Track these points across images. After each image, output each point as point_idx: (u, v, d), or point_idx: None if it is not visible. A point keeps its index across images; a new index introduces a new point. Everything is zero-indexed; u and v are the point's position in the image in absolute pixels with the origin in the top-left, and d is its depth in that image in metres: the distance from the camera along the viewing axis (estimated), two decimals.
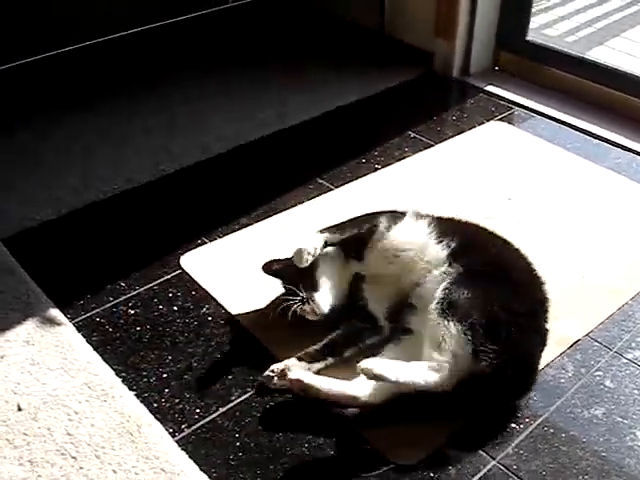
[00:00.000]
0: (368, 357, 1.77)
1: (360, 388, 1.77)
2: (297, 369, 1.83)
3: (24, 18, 3.06)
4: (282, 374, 1.82)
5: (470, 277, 1.80)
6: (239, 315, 2.07)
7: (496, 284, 1.79)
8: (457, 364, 1.68)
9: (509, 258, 1.92)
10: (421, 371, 1.67)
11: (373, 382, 1.76)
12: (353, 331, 1.94)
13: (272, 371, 1.83)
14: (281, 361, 1.86)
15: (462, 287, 1.76)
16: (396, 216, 2.00)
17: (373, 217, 2.01)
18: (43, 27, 3.12)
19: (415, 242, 1.92)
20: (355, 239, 1.97)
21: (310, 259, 1.89)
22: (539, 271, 1.92)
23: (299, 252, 1.90)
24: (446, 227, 1.94)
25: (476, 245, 1.91)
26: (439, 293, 1.76)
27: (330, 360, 1.88)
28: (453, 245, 1.88)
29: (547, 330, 1.84)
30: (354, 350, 1.91)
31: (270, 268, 2.04)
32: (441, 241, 1.90)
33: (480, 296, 1.75)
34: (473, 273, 1.81)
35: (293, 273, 1.96)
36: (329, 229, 1.97)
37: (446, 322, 1.70)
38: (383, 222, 1.97)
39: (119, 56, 3.37)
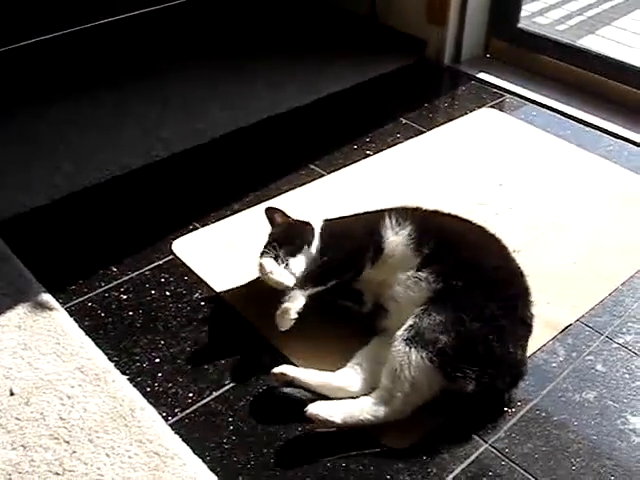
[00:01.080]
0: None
1: (346, 379, 1.77)
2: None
3: (13, 2, 3.04)
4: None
5: (441, 295, 1.77)
6: (232, 300, 2.07)
7: (469, 290, 1.77)
8: (414, 392, 1.67)
9: (484, 255, 1.90)
10: (368, 407, 1.68)
11: (359, 373, 1.78)
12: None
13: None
14: (276, 348, 1.88)
15: (432, 312, 1.73)
16: (380, 243, 1.92)
17: (363, 252, 1.92)
18: (33, 11, 3.11)
19: (396, 255, 1.90)
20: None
21: (293, 322, 1.85)
22: (516, 261, 1.91)
23: (282, 318, 1.85)
24: (424, 229, 1.91)
25: (450, 247, 1.88)
26: (410, 320, 1.73)
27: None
28: (426, 252, 1.86)
29: (532, 315, 1.83)
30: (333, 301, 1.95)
31: (272, 215, 2.08)
32: (416, 247, 1.87)
33: (450, 317, 1.71)
34: (444, 287, 1.78)
35: (286, 232, 2.00)
36: (310, 279, 1.89)
37: (407, 349, 1.68)
38: (370, 256, 1.92)
39: (111, 42, 3.35)
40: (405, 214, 1.96)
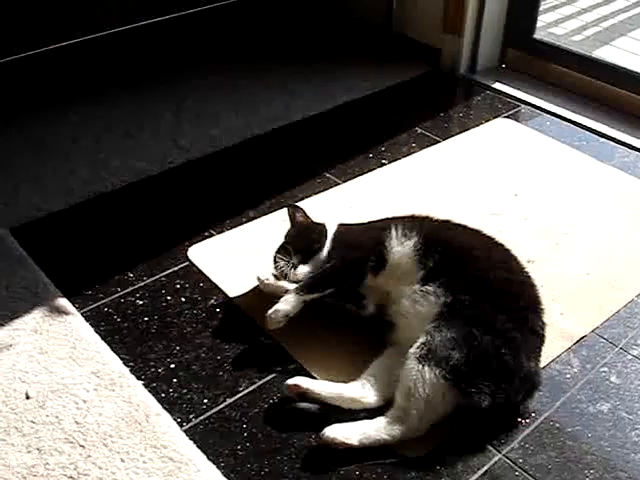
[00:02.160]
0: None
1: (359, 390, 1.77)
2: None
3: (32, 9, 3.06)
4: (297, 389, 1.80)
5: (451, 309, 1.76)
6: (247, 307, 2.07)
7: (479, 303, 1.75)
8: (429, 409, 1.66)
9: (493, 267, 1.87)
10: (384, 427, 1.67)
11: (372, 384, 1.78)
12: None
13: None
14: (291, 356, 1.89)
15: (443, 328, 1.71)
16: (384, 254, 1.93)
17: (363, 263, 1.94)
18: (52, 18, 3.12)
19: (402, 266, 1.90)
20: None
21: (281, 324, 1.88)
22: (526, 271, 1.90)
23: (271, 318, 1.87)
24: (430, 241, 1.90)
25: (458, 259, 1.86)
26: (421, 337, 1.72)
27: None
28: (430, 265, 1.85)
29: (544, 325, 1.82)
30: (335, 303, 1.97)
31: (293, 213, 2.10)
32: (421, 260, 1.87)
33: (462, 333, 1.70)
34: (453, 301, 1.76)
35: (302, 236, 2.03)
36: (307, 286, 1.90)
37: (420, 367, 1.67)
38: (371, 267, 1.93)
39: (129, 49, 3.36)
40: (412, 225, 1.95)
